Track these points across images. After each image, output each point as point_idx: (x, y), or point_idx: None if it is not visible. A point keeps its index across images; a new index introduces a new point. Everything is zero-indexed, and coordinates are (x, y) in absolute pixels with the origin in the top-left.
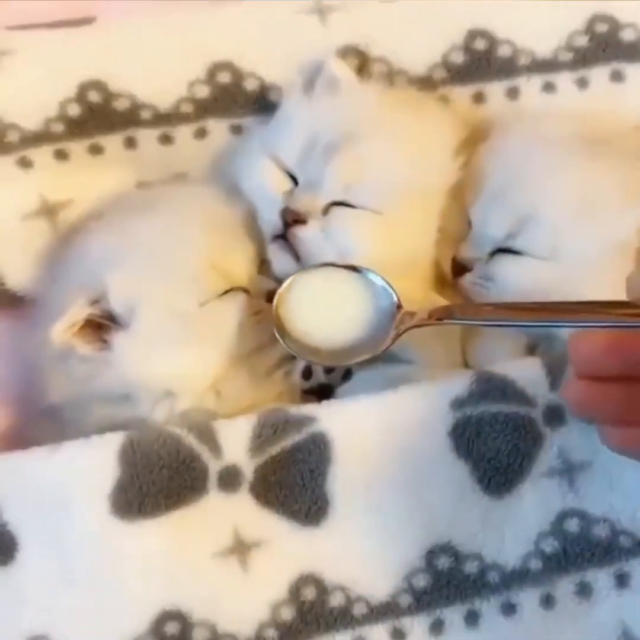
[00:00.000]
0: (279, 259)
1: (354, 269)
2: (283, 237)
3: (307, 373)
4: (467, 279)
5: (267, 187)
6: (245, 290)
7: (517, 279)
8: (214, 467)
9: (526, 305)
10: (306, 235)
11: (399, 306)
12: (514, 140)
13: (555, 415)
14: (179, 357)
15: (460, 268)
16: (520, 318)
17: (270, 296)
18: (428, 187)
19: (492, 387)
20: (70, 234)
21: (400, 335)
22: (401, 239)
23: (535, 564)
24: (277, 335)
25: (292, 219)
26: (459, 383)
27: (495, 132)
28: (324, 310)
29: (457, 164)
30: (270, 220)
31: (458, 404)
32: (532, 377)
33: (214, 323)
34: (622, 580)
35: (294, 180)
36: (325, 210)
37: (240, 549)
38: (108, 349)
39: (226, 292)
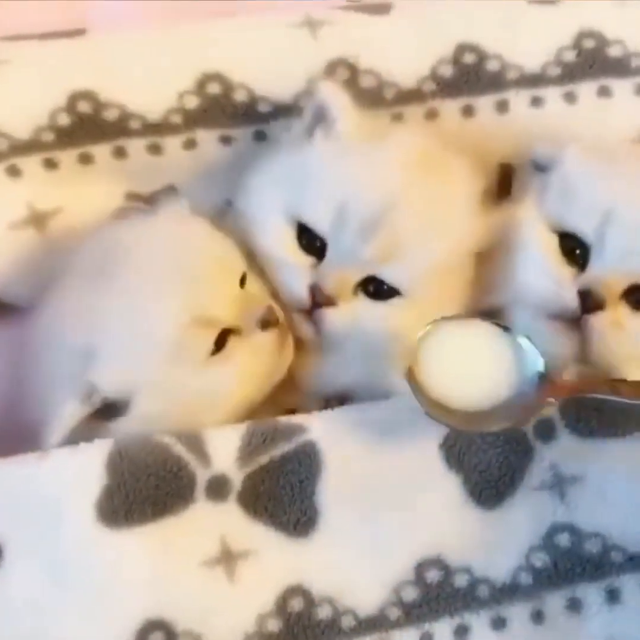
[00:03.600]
0: (302, 327)
1: (500, 326)
2: (308, 312)
3: None
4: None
5: (293, 260)
6: (234, 330)
7: None
8: (202, 476)
9: None
10: (335, 319)
11: (544, 374)
12: None
13: (546, 429)
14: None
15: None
16: None
17: (263, 324)
18: (461, 255)
19: None
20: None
21: (548, 406)
22: (432, 316)
23: (526, 578)
24: (410, 390)
25: (322, 301)
26: None
27: None
28: (464, 368)
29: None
30: (294, 292)
31: None
32: None
33: (216, 381)
34: (612, 596)
35: (318, 242)
36: (356, 289)
37: (228, 559)
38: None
39: (217, 338)
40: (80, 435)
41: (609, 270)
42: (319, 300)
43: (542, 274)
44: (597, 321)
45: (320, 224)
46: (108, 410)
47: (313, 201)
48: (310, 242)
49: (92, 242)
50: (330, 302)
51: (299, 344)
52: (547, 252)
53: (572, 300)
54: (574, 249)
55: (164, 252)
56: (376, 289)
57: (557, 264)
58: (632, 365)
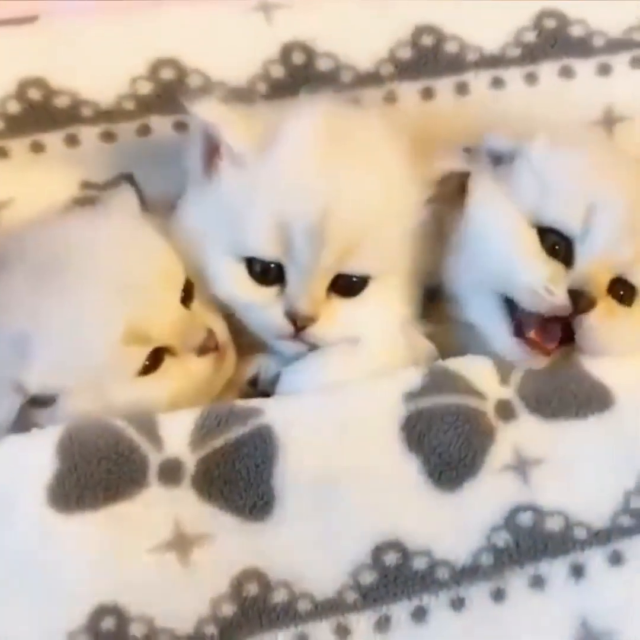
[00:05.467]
0: (290, 349)
1: None
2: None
3: (253, 382)
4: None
5: (257, 298)
6: (169, 349)
7: None
8: (154, 460)
9: None
10: (322, 333)
11: None
12: None
13: (507, 410)
14: None
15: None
16: None
17: (201, 350)
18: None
19: (444, 381)
20: None
21: None
22: (405, 292)
23: (487, 559)
24: None
25: (305, 324)
26: (412, 376)
27: None
28: None
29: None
30: (273, 326)
31: (410, 396)
32: (483, 372)
33: (144, 399)
34: (577, 571)
35: (272, 268)
36: (328, 293)
37: (182, 543)
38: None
39: (152, 356)
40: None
41: (595, 264)
42: (300, 324)
43: (529, 273)
44: (591, 319)
45: (268, 251)
46: (35, 402)
47: (252, 233)
48: (264, 271)
49: (40, 235)
50: (311, 320)
51: None
52: (529, 251)
53: (563, 301)
54: (555, 245)
55: (106, 259)
56: (346, 283)
57: (543, 262)
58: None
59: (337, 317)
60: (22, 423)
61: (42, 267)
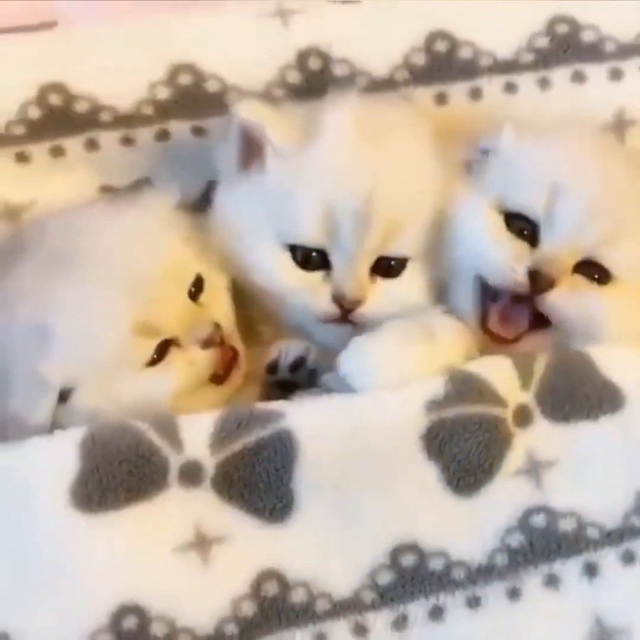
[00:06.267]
0: (339, 334)
1: None
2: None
3: (272, 368)
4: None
5: (304, 284)
6: (174, 340)
7: None
8: (174, 462)
9: None
10: (369, 314)
11: None
12: None
13: (523, 415)
14: None
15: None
16: None
17: (206, 343)
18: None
19: (468, 388)
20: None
21: None
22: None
23: (501, 559)
24: None
25: (352, 307)
26: (434, 384)
27: None
28: None
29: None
30: (320, 310)
31: (433, 406)
32: (505, 377)
33: (149, 390)
34: (591, 571)
35: (314, 255)
36: (372, 277)
37: (202, 544)
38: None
39: (157, 348)
40: None
41: (560, 246)
42: (348, 307)
43: (495, 251)
44: (552, 298)
45: (314, 238)
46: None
47: (298, 220)
48: (306, 258)
49: (59, 223)
50: (359, 303)
51: None
52: (493, 231)
53: (522, 278)
54: (523, 229)
55: (121, 253)
56: (385, 265)
57: (505, 241)
58: (592, 335)
59: (382, 297)
60: None
61: (57, 255)
